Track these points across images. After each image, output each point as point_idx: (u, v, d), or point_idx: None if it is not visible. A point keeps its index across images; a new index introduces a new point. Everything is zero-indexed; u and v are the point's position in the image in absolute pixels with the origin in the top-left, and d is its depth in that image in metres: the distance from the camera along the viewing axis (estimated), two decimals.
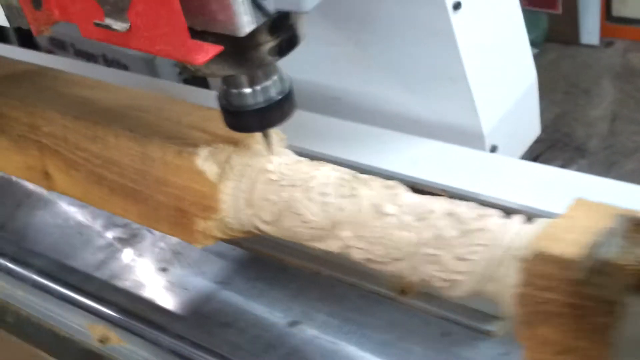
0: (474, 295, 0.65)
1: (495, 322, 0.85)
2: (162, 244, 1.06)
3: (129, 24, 0.55)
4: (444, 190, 0.87)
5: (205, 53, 0.55)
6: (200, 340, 0.90)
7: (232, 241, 0.99)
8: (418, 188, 0.81)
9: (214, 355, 0.88)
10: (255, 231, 0.76)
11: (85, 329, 0.95)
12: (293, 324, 0.92)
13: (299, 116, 1.00)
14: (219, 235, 0.77)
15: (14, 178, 1.15)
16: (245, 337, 0.91)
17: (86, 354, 0.94)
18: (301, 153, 0.77)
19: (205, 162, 0.75)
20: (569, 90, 2.76)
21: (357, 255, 0.70)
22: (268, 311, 0.94)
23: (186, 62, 0.59)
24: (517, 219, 0.65)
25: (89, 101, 0.86)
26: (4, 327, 1.01)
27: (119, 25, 0.56)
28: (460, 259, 0.64)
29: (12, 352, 0.99)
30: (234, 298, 0.97)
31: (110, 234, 1.10)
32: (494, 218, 0.66)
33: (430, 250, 0.66)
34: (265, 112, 0.71)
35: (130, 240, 1.08)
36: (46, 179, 0.86)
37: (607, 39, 2.90)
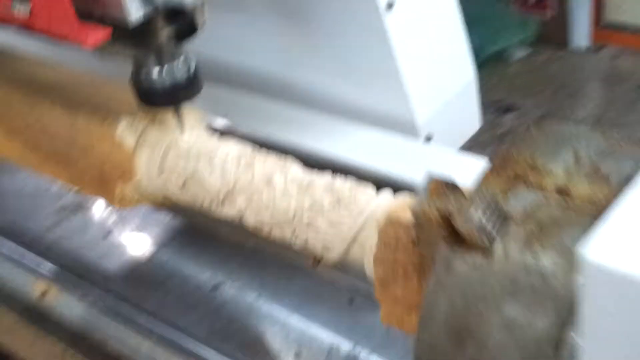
0: (345, 259, 0.73)
1: None
2: (106, 212, 1.15)
3: (29, 9, 0.64)
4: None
5: (94, 36, 0.63)
6: (130, 297, 0.98)
7: (169, 209, 1.08)
8: (347, 171, 0.88)
9: (141, 311, 0.96)
10: (168, 197, 0.84)
11: (29, 284, 1.04)
12: (215, 287, 1.00)
13: (250, 100, 1.09)
14: (137, 198, 0.85)
15: None
16: (171, 296, 1.00)
17: (28, 307, 1.03)
18: (246, 136, 0.85)
19: (124, 131, 0.83)
20: (556, 91, 2.81)
21: (249, 220, 0.78)
22: (195, 275, 1.02)
23: (79, 44, 0.67)
24: (385, 193, 0.73)
25: (32, 76, 0.95)
26: None
27: (22, 10, 0.64)
28: (332, 224, 0.72)
29: None
30: (166, 262, 1.05)
31: (62, 201, 1.18)
32: (366, 190, 0.74)
33: (308, 216, 0.74)
34: (171, 91, 0.79)
35: (79, 207, 1.17)
36: None
37: (597, 44, 2.95)
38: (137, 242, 1.10)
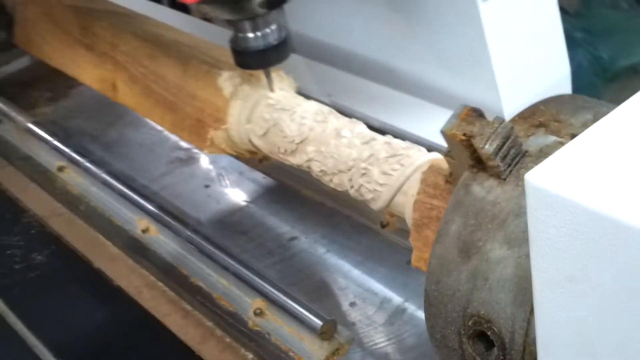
0: (389, 205, 0.82)
1: None
2: (211, 166, 1.28)
3: None
4: None
5: None
6: (217, 240, 1.10)
7: (262, 170, 1.20)
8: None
9: (225, 254, 1.07)
10: (250, 145, 0.96)
11: (133, 221, 1.18)
12: (292, 238, 1.11)
13: (354, 81, 1.20)
14: (224, 146, 0.97)
15: (109, 101, 1.41)
16: (253, 243, 1.11)
17: (131, 241, 1.17)
18: (343, 111, 0.95)
19: (225, 81, 0.96)
20: None
21: (315, 168, 0.88)
22: (276, 227, 1.13)
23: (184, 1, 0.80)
24: (434, 153, 0.82)
25: (154, 33, 1.09)
26: (77, 213, 1.26)
27: None
28: (384, 173, 0.81)
29: (80, 234, 1.23)
30: (253, 214, 1.17)
31: (174, 154, 1.33)
32: (419, 149, 0.83)
33: (364, 166, 0.83)
34: (263, 54, 0.91)
35: (188, 160, 1.31)
36: (113, 90, 1.10)
37: None
38: (230, 195, 1.22)
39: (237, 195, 1.22)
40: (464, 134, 0.61)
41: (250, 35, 0.90)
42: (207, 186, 1.25)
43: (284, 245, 1.11)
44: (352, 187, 0.84)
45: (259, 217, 1.17)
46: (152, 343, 1.04)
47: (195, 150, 1.32)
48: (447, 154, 0.68)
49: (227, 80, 0.96)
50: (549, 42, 1.29)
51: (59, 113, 1.50)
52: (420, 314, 0.96)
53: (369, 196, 0.83)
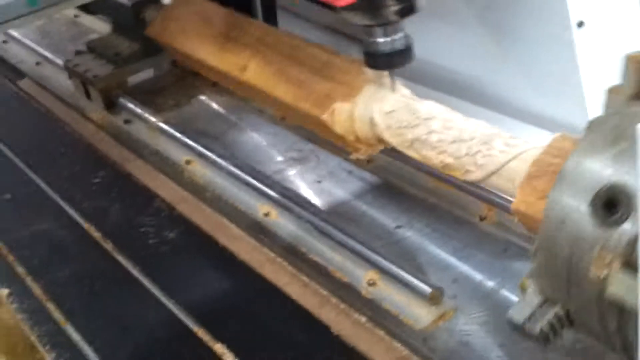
0: (501, 170, 0.95)
1: None
2: (322, 166, 1.44)
3: None
4: None
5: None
6: (330, 224, 1.25)
7: (369, 170, 1.36)
8: None
9: (337, 231, 1.23)
10: (368, 124, 1.11)
11: (255, 206, 1.35)
12: (398, 227, 1.26)
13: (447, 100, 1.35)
14: (343, 117, 1.14)
15: (226, 109, 1.61)
16: (362, 229, 1.26)
17: (253, 223, 1.34)
18: None
19: (367, 69, 1.13)
20: None
21: (432, 138, 1.02)
22: (383, 217, 1.29)
23: (330, 4, 0.97)
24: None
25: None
26: (202, 200, 1.43)
27: None
28: (506, 144, 0.95)
29: (205, 217, 1.40)
30: (361, 205, 1.33)
31: (288, 154, 1.49)
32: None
33: (488, 136, 0.97)
34: (391, 57, 1.07)
35: (301, 160, 1.47)
36: (241, 70, 1.29)
37: None
38: (341, 190, 1.38)
39: (347, 190, 1.38)
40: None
41: (381, 40, 1.06)
42: (319, 182, 1.41)
43: (390, 232, 1.26)
44: (467, 153, 0.98)
45: (367, 208, 1.32)
46: (274, 308, 1.19)
47: (308, 151, 1.48)
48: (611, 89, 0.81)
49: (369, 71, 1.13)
50: None
51: (182, 117, 1.68)
52: (509, 300, 1.10)
53: (482, 161, 0.96)
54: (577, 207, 0.76)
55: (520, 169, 0.92)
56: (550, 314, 0.86)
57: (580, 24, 1.33)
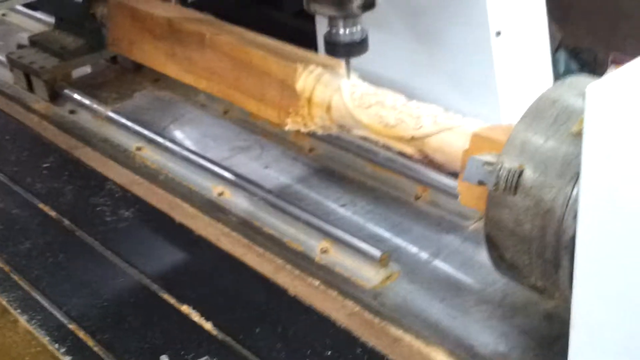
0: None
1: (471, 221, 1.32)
2: (266, 154, 1.58)
3: None
4: None
5: None
6: (283, 200, 1.39)
7: (313, 157, 1.50)
8: None
9: (291, 206, 1.37)
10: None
11: (209, 187, 1.47)
12: (342, 205, 1.41)
13: None
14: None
15: (170, 102, 1.72)
16: (310, 207, 1.40)
17: (208, 202, 1.46)
18: None
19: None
20: None
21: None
22: (327, 197, 1.44)
23: None
24: None
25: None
26: (155, 183, 1.53)
27: None
28: (448, 118, 1.12)
29: (158, 199, 1.50)
30: (307, 188, 1.47)
31: (234, 143, 1.62)
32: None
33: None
34: (349, 46, 1.22)
35: (246, 149, 1.60)
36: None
37: None
38: (287, 174, 1.52)
39: (292, 174, 1.52)
40: None
41: (342, 31, 1.22)
42: (266, 167, 1.54)
43: (335, 210, 1.41)
44: (418, 116, 1.16)
45: (312, 190, 1.47)
46: (233, 275, 1.31)
47: (252, 141, 1.62)
48: None
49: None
50: (540, 63, 1.62)
51: (126, 110, 1.78)
52: (444, 265, 1.26)
53: (427, 122, 1.13)
54: None
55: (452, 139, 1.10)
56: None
57: (498, 33, 1.52)
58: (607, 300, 0.81)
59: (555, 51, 2.14)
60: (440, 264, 1.27)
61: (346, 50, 1.23)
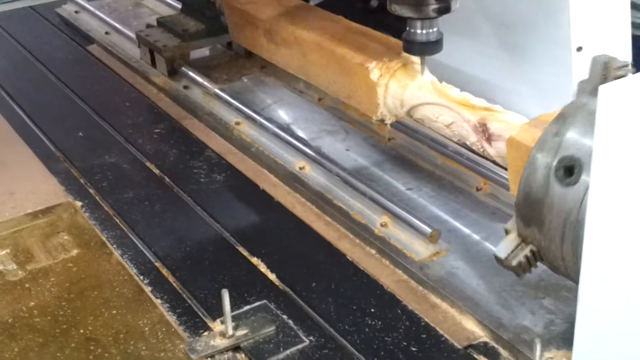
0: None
1: None
2: (350, 138, 1.73)
3: None
4: None
5: None
6: (354, 177, 1.54)
7: (390, 146, 1.64)
8: None
9: (360, 182, 1.51)
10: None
11: (293, 162, 1.64)
12: (409, 189, 1.55)
13: None
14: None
15: (273, 86, 1.90)
16: (380, 187, 1.54)
17: (290, 174, 1.62)
18: None
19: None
20: None
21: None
22: (396, 180, 1.57)
23: None
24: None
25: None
26: (247, 154, 1.72)
27: None
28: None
29: (247, 167, 1.68)
30: (380, 171, 1.61)
31: (323, 127, 1.79)
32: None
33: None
34: (424, 45, 1.36)
35: (333, 132, 1.76)
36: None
37: None
38: (367, 156, 1.66)
39: (370, 158, 1.66)
40: None
41: (419, 31, 1.35)
42: (347, 150, 1.70)
43: (401, 192, 1.55)
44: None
45: (385, 173, 1.61)
46: (301, 237, 1.47)
47: (340, 126, 1.78)
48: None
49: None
50: None
51: (233, 90, 1.97)
52: (491, 249, 1.37)
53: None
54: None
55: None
56: (526, 250, 1.14)
57: (579, 49, 1.61)
58: (612, 300, 0.91)
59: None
60: (487, 247, 1.38)
61: (421, 49, 1.37)
